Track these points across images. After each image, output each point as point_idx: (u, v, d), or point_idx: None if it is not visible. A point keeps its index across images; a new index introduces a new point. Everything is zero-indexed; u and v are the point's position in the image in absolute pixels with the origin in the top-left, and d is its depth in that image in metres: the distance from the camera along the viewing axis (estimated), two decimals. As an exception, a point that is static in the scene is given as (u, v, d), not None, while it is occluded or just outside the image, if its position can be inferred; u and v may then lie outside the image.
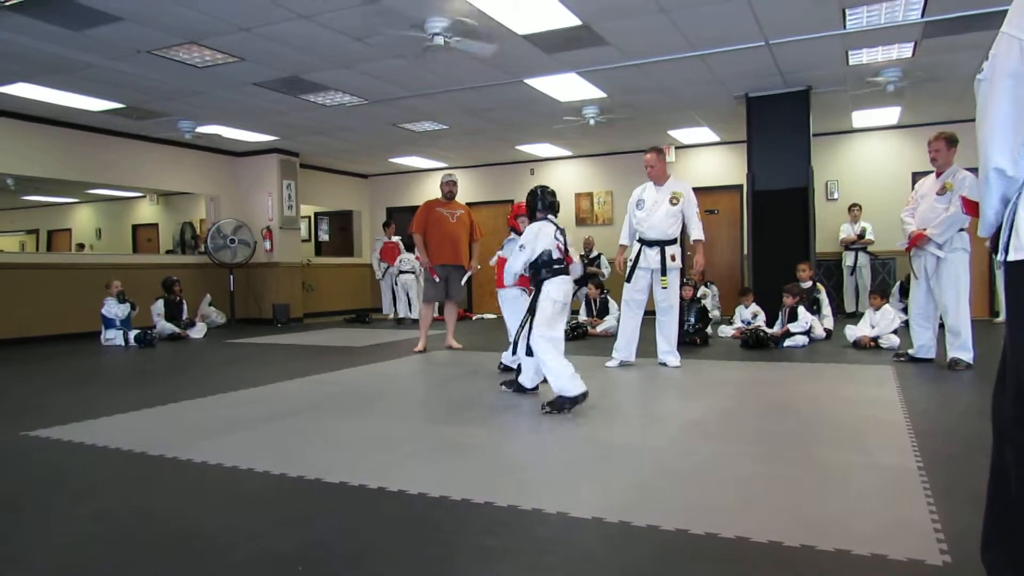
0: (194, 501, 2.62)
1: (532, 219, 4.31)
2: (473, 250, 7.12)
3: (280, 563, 2.01)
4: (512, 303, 5.14)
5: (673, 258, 5.54)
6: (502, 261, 5.00)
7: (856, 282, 9.70)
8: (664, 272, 5.48)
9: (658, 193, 5.56)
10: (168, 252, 13.30)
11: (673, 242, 5.56)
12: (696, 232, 5.58)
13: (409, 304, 11.17)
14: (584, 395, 3.89)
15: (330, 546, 2.12)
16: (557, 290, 4.13)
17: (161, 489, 2.77)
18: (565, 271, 4.20)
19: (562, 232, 4.27)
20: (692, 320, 7.22)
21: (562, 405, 3.88)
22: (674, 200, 5.51)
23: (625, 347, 5.64)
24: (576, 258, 4.39)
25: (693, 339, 7.00)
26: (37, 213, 16.41)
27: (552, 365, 3.96)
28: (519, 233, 4.67)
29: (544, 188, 4.36)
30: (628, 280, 5.61)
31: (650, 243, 5.53)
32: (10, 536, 2.29)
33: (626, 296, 5.66)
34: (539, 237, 4.18)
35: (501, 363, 5.49)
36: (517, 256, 4.21)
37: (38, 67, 6.59)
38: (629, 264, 5.63)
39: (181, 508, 2.54)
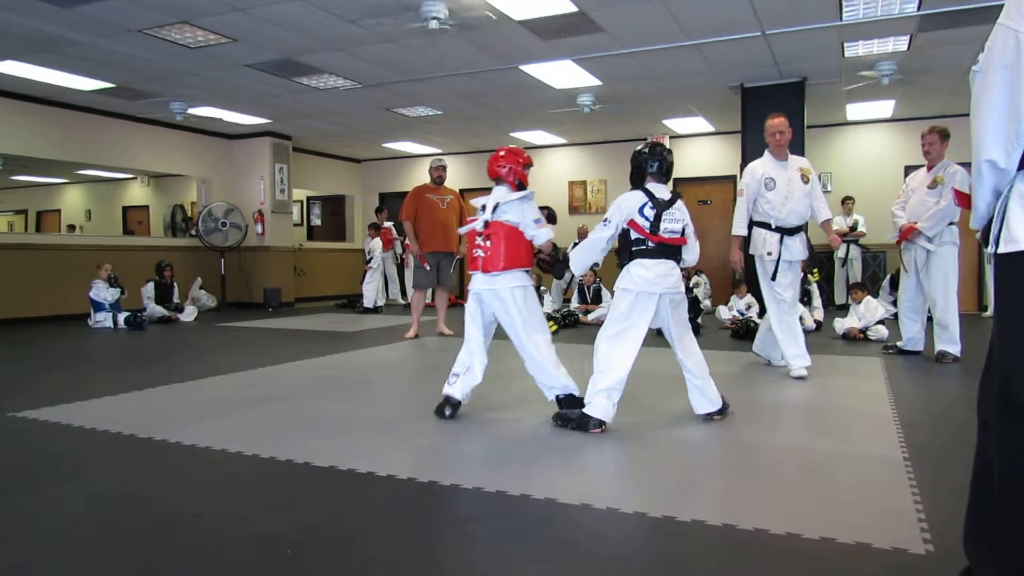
0: (182, 483, 2.61)
1: (636, 185, 3.42)
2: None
3: (268, 545, 2.01)
4: (523, 300, 3.48)
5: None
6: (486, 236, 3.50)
7: (847, 274, 9.74)
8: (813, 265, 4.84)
9: (786, 170, 4.70)
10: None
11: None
12: (826, 211, 4.78)
13: (386, 289, 11.16)
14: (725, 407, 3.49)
15: (318, 529, 2.12)
16: (628, 278, 3.32)
17: (149, 471, 2.77)
18: (652, 253, 3.30)
19: (660, 203, 3.28)
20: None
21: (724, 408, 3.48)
22: (805, 177, 4.69)
23: (801, 351, 4.68)
24: (692, 238, 3.47)
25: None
26: (26, 193, 16.25)
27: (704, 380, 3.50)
28: (524, 186, 3.59)
29: (656, 144, 3.46)
30: (774, 278, 4.70)
31: (790, 231, 4.69)
32: (-4, 516, 2.28)
33: (775, 295, 4.71)
34: (622, 207, 3.32)
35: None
36: (597, 232, 3.34)
37: (27, 44, 6.49)
38: (768, 258, 4.70)
39: (169, 490, 2.53)
